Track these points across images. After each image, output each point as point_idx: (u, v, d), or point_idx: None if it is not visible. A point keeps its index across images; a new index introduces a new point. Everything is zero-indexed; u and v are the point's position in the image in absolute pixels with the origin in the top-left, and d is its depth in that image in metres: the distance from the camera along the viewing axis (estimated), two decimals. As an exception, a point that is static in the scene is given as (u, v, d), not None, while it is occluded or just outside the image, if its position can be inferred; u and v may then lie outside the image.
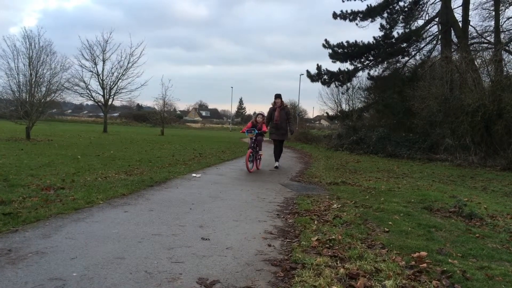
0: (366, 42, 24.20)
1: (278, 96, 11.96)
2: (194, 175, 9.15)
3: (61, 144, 16.84)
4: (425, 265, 3.52)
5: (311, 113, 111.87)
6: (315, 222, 5.05)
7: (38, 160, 10.46)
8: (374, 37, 24.28)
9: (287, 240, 4.31)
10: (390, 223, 5.11)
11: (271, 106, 12.08)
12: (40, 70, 20.93)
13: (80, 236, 4.01)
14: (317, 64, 26.32)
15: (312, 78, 26.04)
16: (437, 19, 23.55)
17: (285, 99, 12.86)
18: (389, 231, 4.75)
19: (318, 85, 33.95)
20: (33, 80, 20.68)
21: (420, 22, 24.59)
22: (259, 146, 11.00)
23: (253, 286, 3.02)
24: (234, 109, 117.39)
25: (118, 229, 4.35)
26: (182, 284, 2.99)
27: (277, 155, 12.28)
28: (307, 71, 26.36)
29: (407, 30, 24.20)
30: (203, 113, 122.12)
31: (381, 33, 24.45)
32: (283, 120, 11.76)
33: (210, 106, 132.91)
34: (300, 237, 4.38)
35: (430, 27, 24.39)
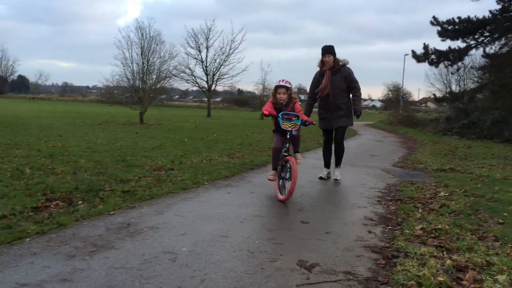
0: (480, 17, 22.13)
1: (328, 50, 6.61)
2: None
3: (170, 128, 18.06)
4: (546, 262, 3.20)
5: (416, 95, 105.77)
6: (419, 210, 4.84)
7: (151, 142, 11.36)
8: (490, 11, 22.09)
9: (389, 227, 4.20)
10: (505, 214, 4.70)
11: (318, 69, 6.82)
12: (151, 58, 22.60)
13: (189, 215, 4.30)
14: (424, 44, 24.61)
15: (418, 58, 24.51)
16: None
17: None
18: (504, 222, 4.38)
19: (424, 65, 31.80)
20: (145, 68, 22.40)
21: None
22: (295, 145, 5.66)
23: (352, 271, 3.01)
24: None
25: (222, 209, 4.58)
26: (282, 265, 3.07)
27: (337, 156, 6.87)
28: (413, 52, 24.88)
29: (530, 1, 21.61)
30: (302, 97, 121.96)
31: (498, 6, 22.15)
32: (339, 92, 6.56)
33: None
34: (403, 225, 4.23)
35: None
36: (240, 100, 71.11)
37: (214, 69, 35.92)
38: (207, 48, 35.75)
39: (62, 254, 3.09)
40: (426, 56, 24.33)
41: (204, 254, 3.24)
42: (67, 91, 79.59)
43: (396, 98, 64.04)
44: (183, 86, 38.56)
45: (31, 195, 4.65)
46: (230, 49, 35.60)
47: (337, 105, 6.59)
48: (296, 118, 5.27)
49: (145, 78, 22.42)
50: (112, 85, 23.61)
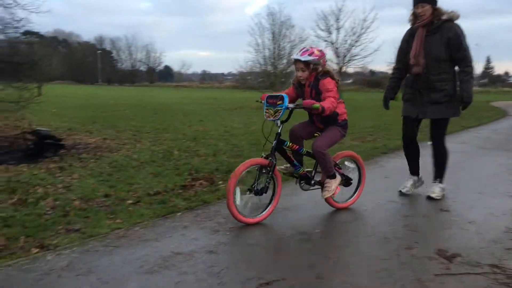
0: None
1: None
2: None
3: (301, 112, 18.30)
4: None
5: None
6: None
7: (287, 126, 11.65)
8: None
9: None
10: None
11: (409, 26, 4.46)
12: (281, 43, 23.08)
13: (319, 197, 4.38)
14: None
15: None
16: None
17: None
18: None
19: None
20: (276, 53, 22.96)
21: None
22: (317, 162, 3.84)
23: (500, 264, 2.77)
24: (479, 69, 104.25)
25: (354, 193, 4.55)
26: (419, 253, 2.97)
27: (435, 164, 4.59)
28: None
29: None
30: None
31: None
32: (436, 63, 4.23)
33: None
34: None
35: None
36: (372, 81, 68.42)
37: (345, 51, 35.18)
38: (337, 29, 35.12)
39: (207, 228, 3.42)
40: None
41: (337, 237, 3.29)
42: (205, 78, 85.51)
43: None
44: (313, 69, 38.54)
45: (180, 174, 5.18)
46: (361, 29, 34.47)
47: (431, 83, 4.23)
48: (280, 102, 3.54)
49: (276, 63, 23.01)
50: (245, 71, 24.73)
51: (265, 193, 3.57)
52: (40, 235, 3.15)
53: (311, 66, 3.61)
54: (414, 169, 4.72)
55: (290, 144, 3.74)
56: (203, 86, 72.13)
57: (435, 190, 4.43)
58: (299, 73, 3.68)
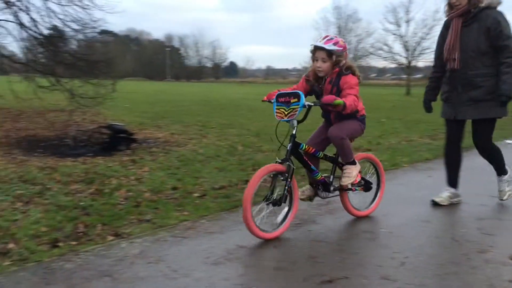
0: None
1: None
2: (508, 141, 8.14)
3: (366, 108, 17.85)
4: None
5: None
6: None
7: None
8: None
9: None
10: None
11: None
12: (347, 37, 22.68)
13: (387, 196, 4.23)
14: None
15: None
16: None
17: None
18: None
19: None
20: (342, 48, 22.61)
21: None
22: (338, 152, 3.49)
23: None
24: None
25: (422, 193, 4.38)
26: (493, 257, 2.82)
27: (492, 162, 4.06)
28: None
29: None
30: None
31: None
32: (473, 56, 3.72)
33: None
34: None
35: None
36: (444, 75, 65.10)
37: (415, 44, 33.83)
38: (407, 22, 33.83)
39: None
40: None
41: (404, 237, 3.20)
42: (269, 74, 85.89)
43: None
44: (380, 63, 37.61)
45: (244, 169, 5.28)
46: (433, 21, 32.92)
47: (469, 79, 3.73)
48: (295, 100, 3.13)
49: (342, 58, 22.67)
50: (309, 66, 24.54)
51: (284, 202, 3.16)
52: (115, 223, 3.36)
53: (334, 57, 3.20)
54: (453, 180, 4.09)
55: (306, 147, 3.34)
56: (268, 81, 72.38)
57: (503, 189, 4.00)
58: (319, 63, 3.24)
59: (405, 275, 2.58)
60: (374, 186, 3.76)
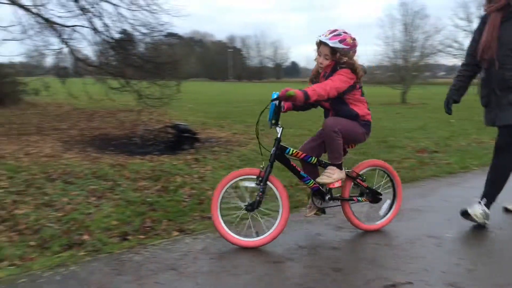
0: None
1: None
2: None
3: (434, 107, 17.14)
4: None
5: None
6: None
7: (413, 123, 11.08)
8: None
9: None
10: None
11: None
12: (414, 35, 21.84)
13: (455, 200, 4.07)
14: None
15: None
16: None
17: None
18: None
19: None
20: (408, 45, 21.81)
21: None
22: (327, 148, 3.15)
23: None
24: None
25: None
26: None
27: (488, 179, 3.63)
28: None
29: None
30: None
31: None
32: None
33: None
34: None
35: None
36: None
37: (486, 40, 31.88)
38: (479, 17, 32.01)
39: (331, 225, 3.43)
40: None
41: (471, 244, 3.08)
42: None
43: None
44: (449, 61, 35.81)
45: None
46: (508, 15, 30.87)
47: (507, 80, 3.27)
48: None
49: (407, 56, 21.86)
50: (373, 65, 23.94)
51: (257, 208, 3.00)
52: (179, 220, 3.49)
53: (338, 55, 2.95)
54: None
55: (295, 151, 3.09)
56: (329, 81, 71.09)
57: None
58: (321, 59, 3.01)
59: (472, 284, 2.46)
60: (389, 197, 3.40)
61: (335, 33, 2.93)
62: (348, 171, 3.18)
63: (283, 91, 2.77)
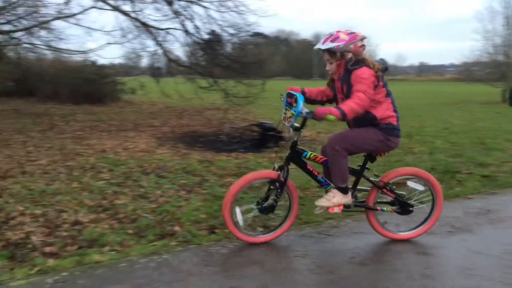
0: None
1: None
2: None
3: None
4: None
5: None
6: None
7: (514, 124, 10.18)
8: None
9: None
10: None
11: None
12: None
13: None
14: None
15: None
16: None
17: None
18: None
19: None
20: (510, 40, 20.09)
21: None
22: (331, 170, 3.03)
23: None
24: None
25: None
26: None
27: None
28: None
29: None
30: None
31: None
32: None
33: None
34: None
35: None
36: None
37: None
38: None
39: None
40: None
41: None
42: (423, 70, 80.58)
43: None
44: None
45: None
46: None
47: None
48: (295, 105, 2.79)
49: (508, 52, 20.10)
50: (470, 61, 22.38)
51: (272, 212, 3.02)
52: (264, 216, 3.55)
53: (338, 55, 2.85)
54: None
55: (313, 155, 2.98)
56: (420, 79, 68.09)
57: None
58: (327, 66, 2.96)
59: None
60: (426, 210, 3.13)
61: (327, 36, 2.86)
62: (375, 180, 3.03)
63: (322, 112, 2.67)
